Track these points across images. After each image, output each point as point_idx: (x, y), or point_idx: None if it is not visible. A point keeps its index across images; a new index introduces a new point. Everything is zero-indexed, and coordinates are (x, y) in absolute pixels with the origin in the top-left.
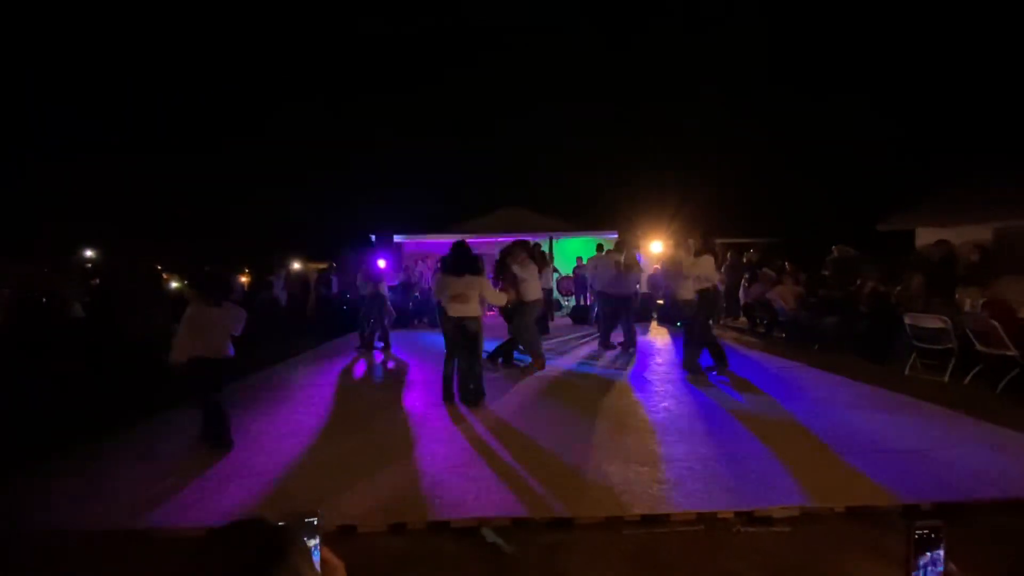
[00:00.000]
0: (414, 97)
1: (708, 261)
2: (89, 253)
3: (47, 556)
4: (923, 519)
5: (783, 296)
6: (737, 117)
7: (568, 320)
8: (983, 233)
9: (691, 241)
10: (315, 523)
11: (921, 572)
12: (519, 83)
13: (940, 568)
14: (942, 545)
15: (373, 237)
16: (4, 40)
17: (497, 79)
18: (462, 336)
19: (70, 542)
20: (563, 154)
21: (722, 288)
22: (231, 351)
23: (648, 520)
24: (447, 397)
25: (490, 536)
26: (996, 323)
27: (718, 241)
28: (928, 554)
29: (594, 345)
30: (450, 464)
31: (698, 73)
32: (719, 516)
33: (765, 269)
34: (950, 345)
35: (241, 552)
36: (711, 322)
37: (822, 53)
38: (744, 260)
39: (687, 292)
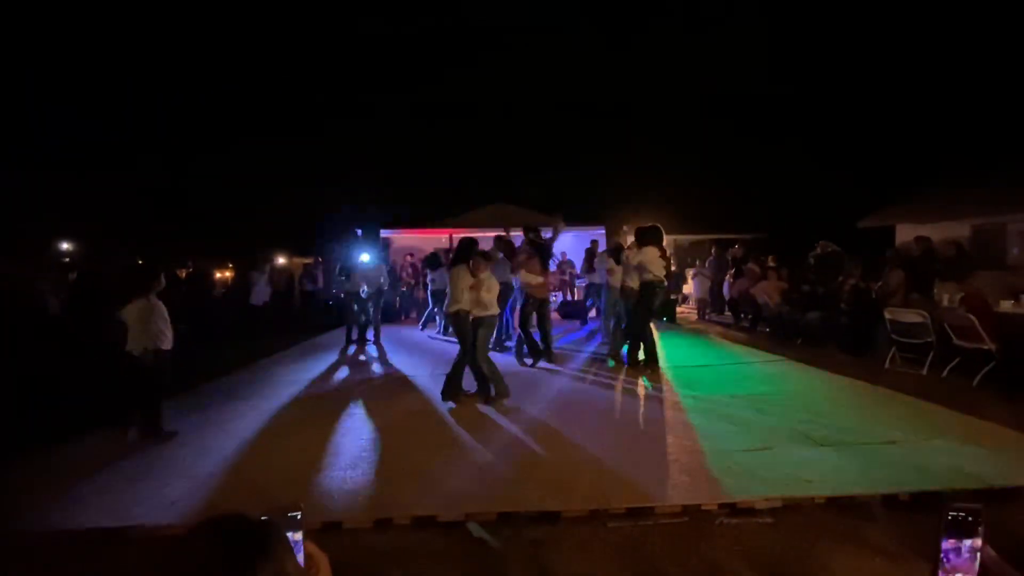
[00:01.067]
0: (403, 94)
1: (651, 252)
2: (64, 246)
3: (30, 556)
4: (958, 503)
5: (767, 291)
6: (723, 114)
7: (555, 316)
8: (961, 230)
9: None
10: (297, 517)
11: (947, 557)
12: (509, 80)
13: (969, 554)
14: (978, 531)
15: (359, 231)
16: None
17: (485, 76)
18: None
19: (54, 542)
20: (551, 150)
21: (708, 283)
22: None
23: (633, 513)
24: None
25: (476, 530)
26: (973, 317)
27: (710, 237)
28: (957, 540)
29: (578, 340)
30: (435, 459)
31: (685, 71)
32: (703, 508)
33: (750, 264)
34: (928, 339)
35: (225, 547)
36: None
37: (807, 52)
38: (729, 256)
39: (631, 281)
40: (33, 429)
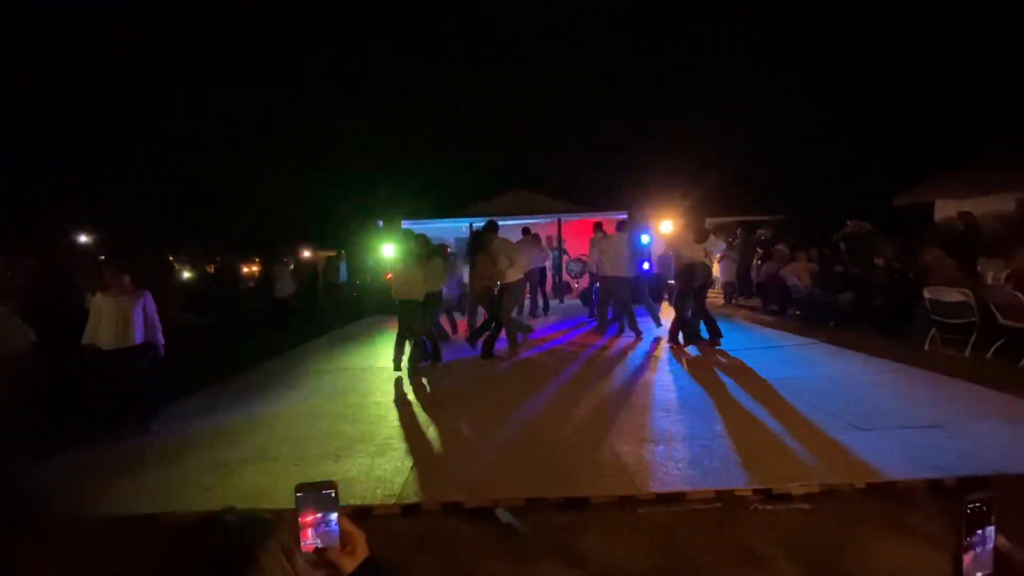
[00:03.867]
0: (421, 81)
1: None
2: (83, 239)
3: (68, 543)
4: (975, 493)
5: (798, 273)
6: (749, 91)
7: (578, 302)
8: (1006, 204)
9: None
10: (332, 495)
11: (976, 549)
12: (527, 67)
13: (990, 544)
14: (992, 520)
15: (380, 223)
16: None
17: (505, 63)
18: None
19: (91, 529)
20: (570, 135)
21: (735, 266)
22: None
23: (663, 498)
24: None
25: (504, 517)
26: (1020, 295)
27: (736, 220)
28: (981, 530)
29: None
30: (463, 445)
31: (707, 47)
32: (736, 493)
33: (779, 247)
34: (972, 319)
35: (208, 550)
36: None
37: (836, 22)
38: (760, 238)
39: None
40: (76, 420)
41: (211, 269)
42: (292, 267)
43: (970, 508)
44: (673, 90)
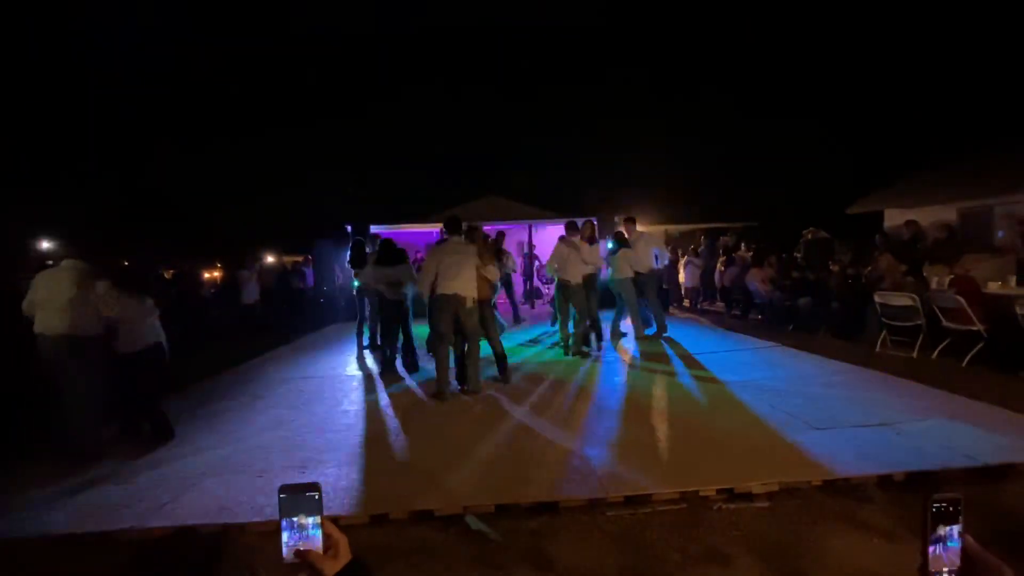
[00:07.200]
0: (390, 88)
1: (595, 249)
2: (45, 245)
3: (18, 561)
4: (940, 493)
5: (759, 278)
6: (709, 103)
7: (550, 307)
8: (948, 213)
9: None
10: (315, 497)
11: (938, 548)
12: (496, 73)
13: (957, 543)
14: (959, 520)
15: (349, 228)
16: None
17: (470, 69)
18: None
19: (44, 546)
20: (540, 142)
21: (699, 272)
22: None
23: (631, 501)
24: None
25: (474, 523)
26: (962, 299)
27: (700, 227)
28: (945, 529)
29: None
30: (430, 453)
31: (670, 60)
32: (700, 494)
33: (741, 252)
34: (918, 322)
35: (173, 567)
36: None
37: (792, 38)
38: (720, 244)
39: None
40: (21, 432)
41: (169, 275)
42: (257, 273)
43: (935, 508)
44: (640, 102)
